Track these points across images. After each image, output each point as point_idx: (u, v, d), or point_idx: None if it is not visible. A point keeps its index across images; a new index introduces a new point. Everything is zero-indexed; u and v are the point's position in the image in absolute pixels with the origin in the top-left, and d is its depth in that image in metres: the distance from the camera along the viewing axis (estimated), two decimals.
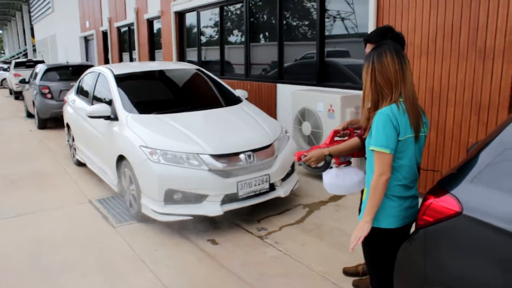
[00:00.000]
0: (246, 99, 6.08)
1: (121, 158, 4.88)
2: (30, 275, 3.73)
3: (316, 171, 2.93)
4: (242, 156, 4.45)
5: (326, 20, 6.56)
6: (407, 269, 2.23)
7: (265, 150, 4.64)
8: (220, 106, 5.64)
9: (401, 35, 2.87)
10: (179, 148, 4.39)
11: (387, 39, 2.70)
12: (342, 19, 6.43)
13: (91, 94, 6.36)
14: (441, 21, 4.71)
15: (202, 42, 10.39)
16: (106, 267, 3.81)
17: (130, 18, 13.85)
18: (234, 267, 3.72)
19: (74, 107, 6.96)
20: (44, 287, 3.55)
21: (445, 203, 2.01)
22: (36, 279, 3.67)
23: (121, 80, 5.72)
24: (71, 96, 7.32)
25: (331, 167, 2.93)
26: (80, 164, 6.91)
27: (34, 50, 34.94)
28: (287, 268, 3.70)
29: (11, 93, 20.86)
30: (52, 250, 4.17)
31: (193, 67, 6.76)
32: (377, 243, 2.34)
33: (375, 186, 2.17)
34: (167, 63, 8.22)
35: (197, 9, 10.11)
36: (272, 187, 4.68)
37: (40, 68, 11.84)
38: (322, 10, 6.52)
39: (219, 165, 4.34)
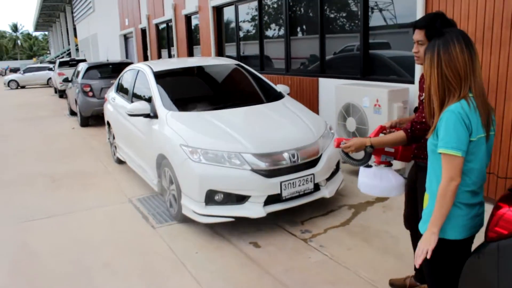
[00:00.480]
0: (288, 94, 5.87)
1: (161, 157, 4.79)
2: (71, 276, 3.70)
3: (356, 164, 2.77)
4: (285, 154, 4.25)
5: (369, 11, 6.26)
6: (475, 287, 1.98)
7: (310, 148, 4.42)
8: (262, 102, 5.45)
9: (453, 21, 2.60)
10: (221, 147, 4.24)
11: (436, 25, 2.45)
12: (380, 10, 6.10)
13: (130, 91, 6.32)
14: (499, 7, 4.34)
15: (240, 37, 10.23)
16: (146, 271, 3.72)
17: (168, 14, 13.87)
18: (278, 274, 3.54)
19: (114, 105, 6.96)
20: None
21: None
22: (75, 280, 3.65)
23: (160, 77, 5.63)
24: (111, 94, 7.32)
25: (370, 166, 2.76)
26: (121, 162, 6.92)
27: (77, 50, 35.89)
28: (334, 275, 3.49)
29: (55, 92, 21.44)
30: (92, 251, 4.13)
31: (232, 62, 6.60)
32: (442, 256, 2.08)
33: (445, 193, 1.92)
34: (206, 58, 8.12)
35: (235, 3, 9.95)
36: (316, 187, 4.46)
37: (81, 67, 12.04)
38: (366, 0, 6.21)
39: (262, 164, 4.16)
